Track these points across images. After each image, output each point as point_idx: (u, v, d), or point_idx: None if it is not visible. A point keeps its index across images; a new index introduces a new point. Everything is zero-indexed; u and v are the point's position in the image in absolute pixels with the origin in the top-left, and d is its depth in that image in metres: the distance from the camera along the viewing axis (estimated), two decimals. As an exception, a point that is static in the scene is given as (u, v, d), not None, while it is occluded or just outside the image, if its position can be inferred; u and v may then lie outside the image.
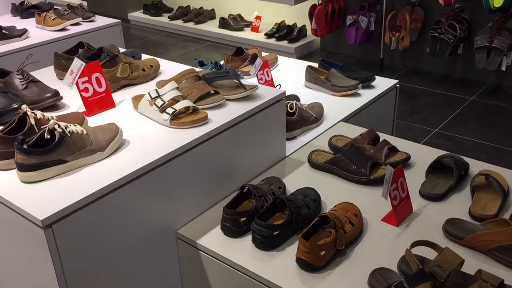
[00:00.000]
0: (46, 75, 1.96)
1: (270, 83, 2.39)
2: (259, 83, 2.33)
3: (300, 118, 2.05)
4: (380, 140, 1.88)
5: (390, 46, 3.94)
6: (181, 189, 1.52)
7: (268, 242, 1.44)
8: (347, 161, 1.76)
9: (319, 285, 1.33)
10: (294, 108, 2.05)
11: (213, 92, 1.71)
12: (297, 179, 1.78)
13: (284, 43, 4.55)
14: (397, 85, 2.53)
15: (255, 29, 4.84)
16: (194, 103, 1.65)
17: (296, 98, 2.27)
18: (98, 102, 1.67)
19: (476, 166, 1.79)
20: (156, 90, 1.62)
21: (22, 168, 1.30)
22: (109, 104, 1.71)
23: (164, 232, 1.52)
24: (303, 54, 4.52)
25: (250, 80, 2.48)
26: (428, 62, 4.06)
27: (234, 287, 1.46)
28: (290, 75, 2.63)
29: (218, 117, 1.62)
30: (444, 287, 1.25)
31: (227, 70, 1.79)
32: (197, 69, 1.90)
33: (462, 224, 1.48)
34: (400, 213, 1.54)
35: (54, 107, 1.72)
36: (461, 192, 1.66)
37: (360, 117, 2.30)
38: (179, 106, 1.58)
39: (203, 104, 1.66)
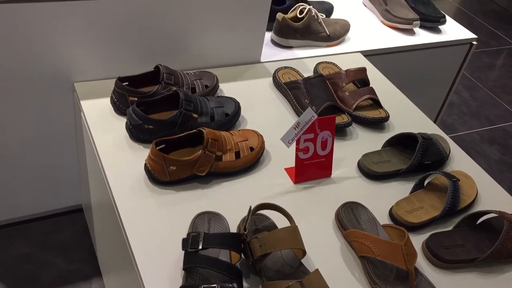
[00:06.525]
0: None
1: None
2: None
3: (304, 28, 1.70)
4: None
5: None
6: (87, 38, 1.33)
7: (136, 133, 1.25)
8: (304, 90, 1.44)
9: (147, 200, 1.12)
10: (304, 14, 1.70)
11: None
12: (244, 90, 1.50)
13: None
14: (474, 42, 2.01)
15: None
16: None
17: (328, 7, 1.90)
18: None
19: (461, 164, 1.37)
20: None
21: None
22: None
23: (58, 79, 1.37)
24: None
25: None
26: None
27: (90, 156, 1.32)
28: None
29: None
30: (257, 263, 0.99)
31: None
32: None
33: (360, 213, 1.15)
34: (305, 171, 1.24)
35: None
36: (410, 183, 1.29)
37: (396, 61, 1.87)
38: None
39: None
